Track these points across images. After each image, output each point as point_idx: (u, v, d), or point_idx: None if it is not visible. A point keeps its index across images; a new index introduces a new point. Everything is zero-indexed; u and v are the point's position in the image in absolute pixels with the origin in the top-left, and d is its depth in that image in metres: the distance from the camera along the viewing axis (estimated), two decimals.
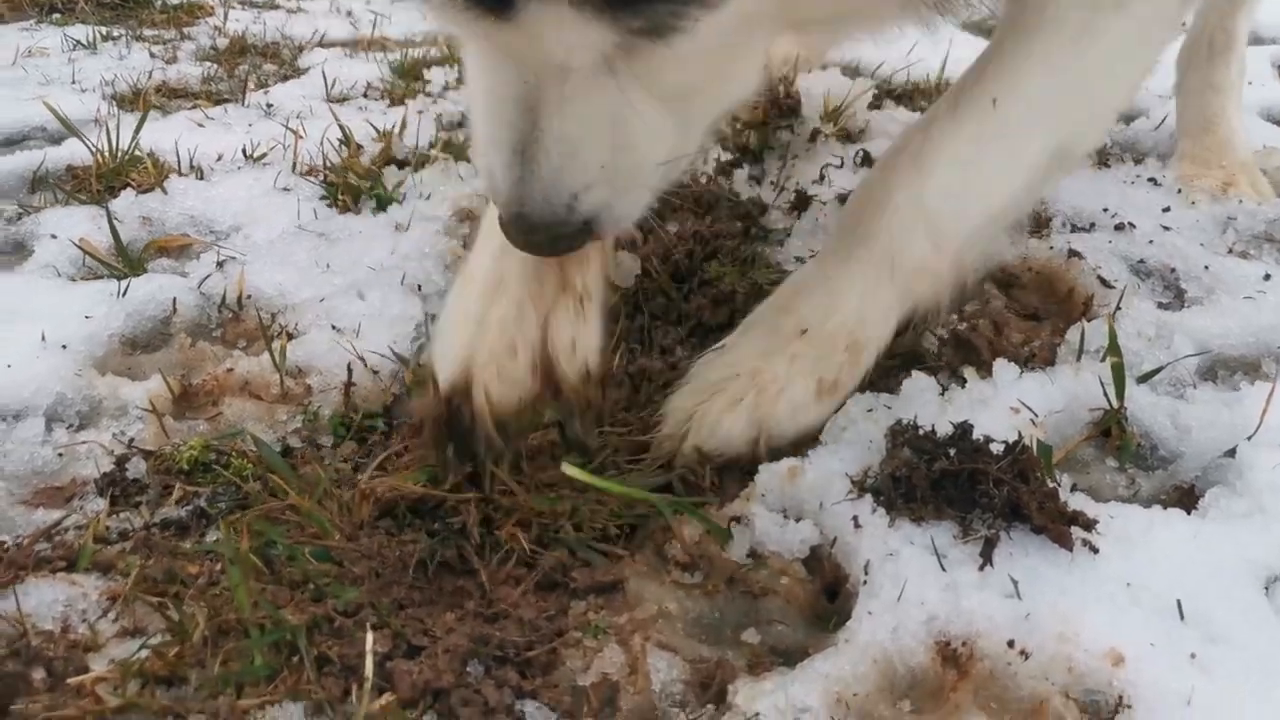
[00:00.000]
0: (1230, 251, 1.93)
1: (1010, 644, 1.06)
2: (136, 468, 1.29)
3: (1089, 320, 1.64)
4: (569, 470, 1.13)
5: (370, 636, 0.99)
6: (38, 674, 0.96)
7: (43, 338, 1.53)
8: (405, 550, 1.14)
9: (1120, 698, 1.01)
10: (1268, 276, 1.79)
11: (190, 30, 3.11)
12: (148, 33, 3.07)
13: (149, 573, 1.08)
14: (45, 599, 1.06)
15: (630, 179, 1.06)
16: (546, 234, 1.05)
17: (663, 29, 0.93)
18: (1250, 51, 3.06)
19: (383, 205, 1.97)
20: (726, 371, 1.32)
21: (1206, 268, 1.82)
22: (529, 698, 1.00)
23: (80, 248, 1.80)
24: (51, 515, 1.21)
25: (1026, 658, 1.05)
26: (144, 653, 0.97)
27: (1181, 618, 1.09)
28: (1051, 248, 1.89)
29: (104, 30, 3.02)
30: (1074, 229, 1.99)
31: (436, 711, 0.98)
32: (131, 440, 1.36)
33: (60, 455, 1.33)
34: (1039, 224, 2.02)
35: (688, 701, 1.02)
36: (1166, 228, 1.96)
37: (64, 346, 1.53)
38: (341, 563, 1.10)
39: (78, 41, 2.92)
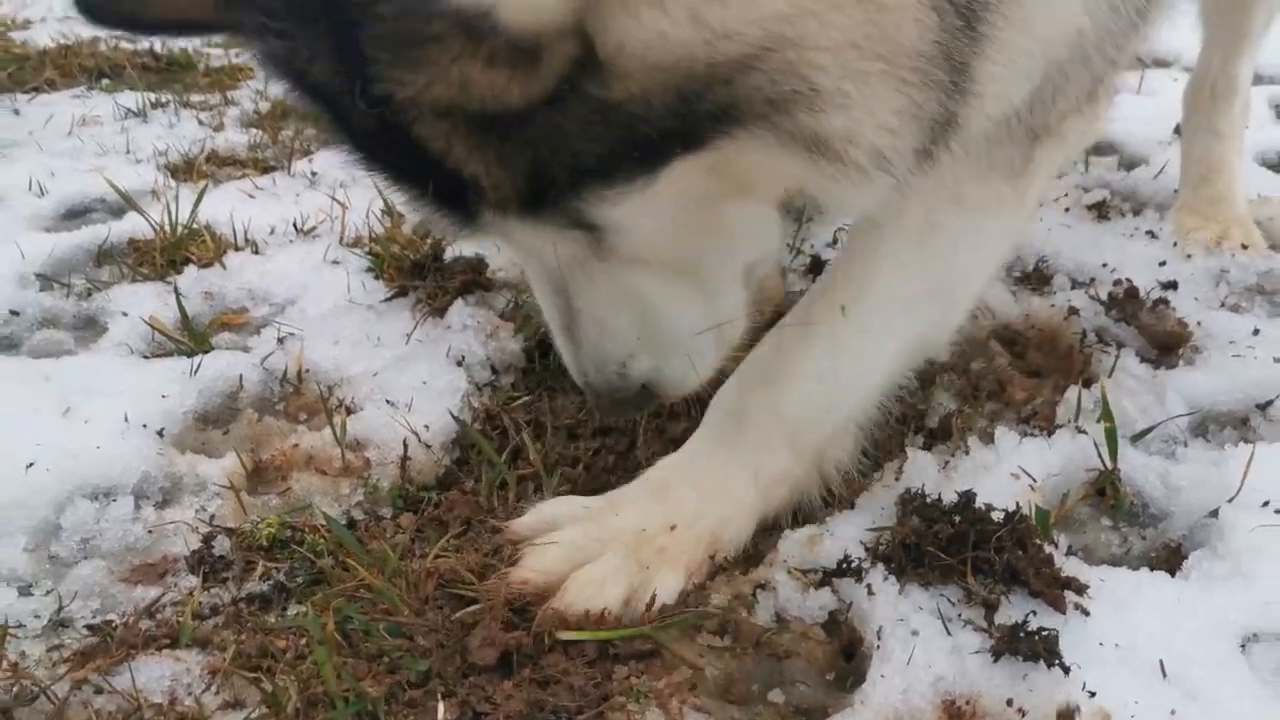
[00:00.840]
0: (1223, 305, 2.04)
1: (1009, 703, 1.18)
2: (221, 545, 1.43)
3: (1086, 383, 1.75)
4: (566, 636, 1.22)
5: (442, 706, 1.13)
6: None
7: (125, 418, 1.68)
8: (465, 623, 1.28)
9: None
10: (1256, 331, 1.90)
11: (234, 94, 3.28)
12: (194, 98, 3.24)
13: (243, 648, 1.22)
14: (154, 675, 1.20)
15: (672, 345, 1.18)
16: (609, 399, 1.20)
17: (585, 224, 1.04)
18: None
19: (423, 277, 2.11)
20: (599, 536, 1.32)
21: (1199, 323, 1.94)
22: None
23: (152, 326, 1.96)
24: (149, 592, 1.36)
25: (1024, 716, 1.17)
26: None
27: (1164, 676, 1.21)
28: (1053, 305, 2.01)
29: (153, 97, 3.19)
30: (1074, 284, 2.11)
31: None
32: (212, 517, 1.51)
33: (150, 533, 1.48)
34: (1042, 280, 2.14)
35: None
36: (1162, 283, 2.07)
37: (144, 425, 1.68)
38: (412, 636, 1.24)
39: (129, 110, 3.09)
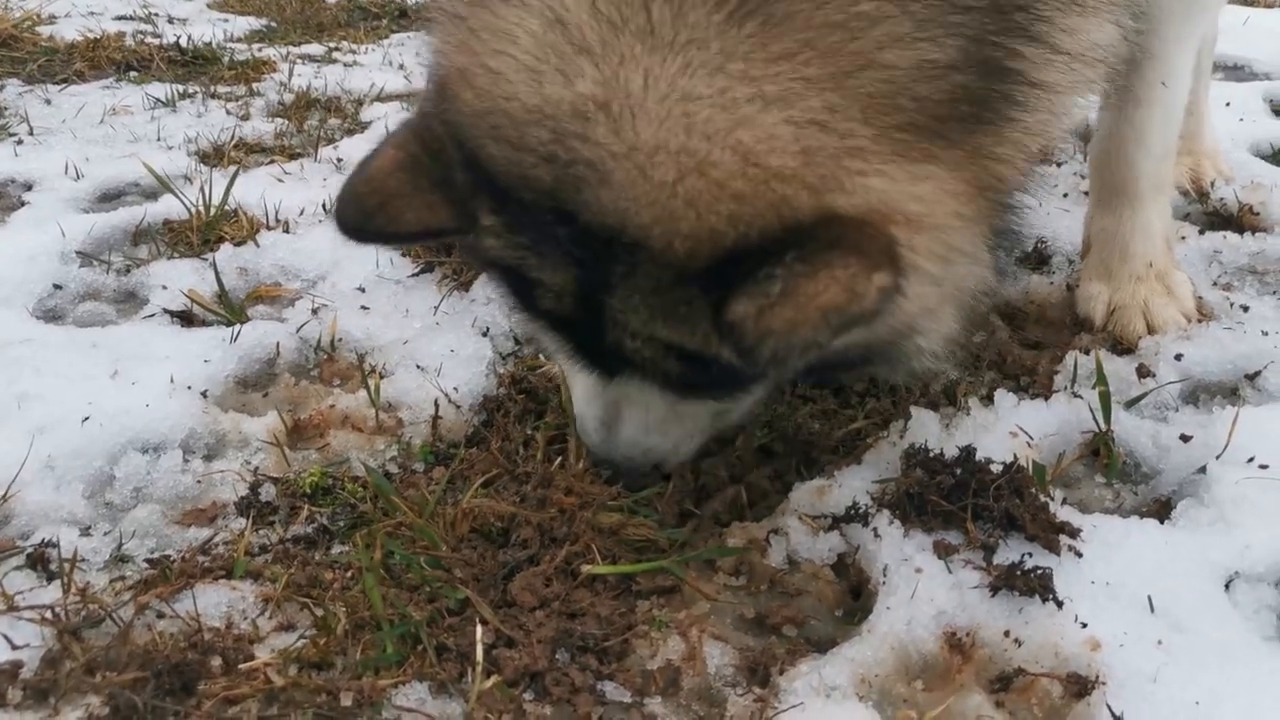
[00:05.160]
0: (1215, 284, 2.12)
1: (1006, 633, 1.27)
2: (267, 492, 1.52)
3: (1084, 351, 1.85)
4: (591, 570, 1.36)
5: (480, 630, 1.22)
6: (214, 661, 1.20)
7: (171, 379, 1.77)
8: (498, 560, 1.37)
9: (1097, 676, 1.21)
10: (1246, 308, 1.99)
11: (258, 86, 3.37)
12: (221, 89, 3.34)
13: (294, 578, 1.31)
14: (211, 601, 1.30)
15: (686, 447, 1.48)
16: (626, 474, 1.49)
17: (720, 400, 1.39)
18: (1242, 87, 3.27)
19: (447, 254, 2.20)
20: None
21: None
22: (607, 679, 1.23)
23: (190, 298, 2.05)
24: (201, 533, 1.45)
25: (1020, 645, 1.26)
26: (300, 643, 1.21)
27: (1152, 611, 1.30)
28: (1051, 283, 2.11)
29: (180, 88, 3.29)
30: (1071, 263, 2.20)
31: (534, 690, 1.21)
32: (256, 469, 1.60)
33: (199, 483, 1.57)
34: (1041, 260, 2.23)
35: (738, 682, 1.24)
36: None
37: (189, 387, 1.77)
38: (450, 569, 1.33)
39: (158, 100, 3.19)
